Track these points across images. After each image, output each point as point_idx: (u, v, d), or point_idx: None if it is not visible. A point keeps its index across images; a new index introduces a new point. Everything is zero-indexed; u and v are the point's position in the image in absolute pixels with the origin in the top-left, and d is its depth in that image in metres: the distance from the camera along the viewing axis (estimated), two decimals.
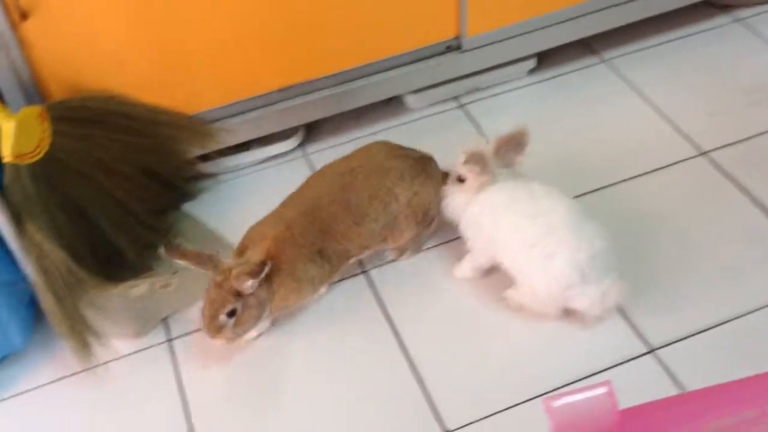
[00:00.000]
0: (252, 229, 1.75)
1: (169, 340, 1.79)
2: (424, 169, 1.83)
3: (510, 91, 2.38)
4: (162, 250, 1.73)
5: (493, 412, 1.58)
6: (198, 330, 1.80)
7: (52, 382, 1.71)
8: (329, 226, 1.72)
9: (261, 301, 1.64)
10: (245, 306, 1.61)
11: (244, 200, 2.13)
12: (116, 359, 1.73)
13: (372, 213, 1.75)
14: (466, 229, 1.77)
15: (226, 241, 1.98)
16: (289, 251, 1.67)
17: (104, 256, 1.81)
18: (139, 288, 1.76)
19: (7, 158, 1.61)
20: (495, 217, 1.69)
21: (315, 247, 1.71)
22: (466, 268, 1.84)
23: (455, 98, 2.36)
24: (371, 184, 1.76)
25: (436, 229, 1.92)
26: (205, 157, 2.14)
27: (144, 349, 1.78)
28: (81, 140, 1.80)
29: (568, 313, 1.71)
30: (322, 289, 1.82)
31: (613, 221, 1.75)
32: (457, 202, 1.77)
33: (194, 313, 1.82)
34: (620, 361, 1.63)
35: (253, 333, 1.74)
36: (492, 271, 1.80)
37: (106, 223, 1.83)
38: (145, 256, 1.92)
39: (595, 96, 2.33)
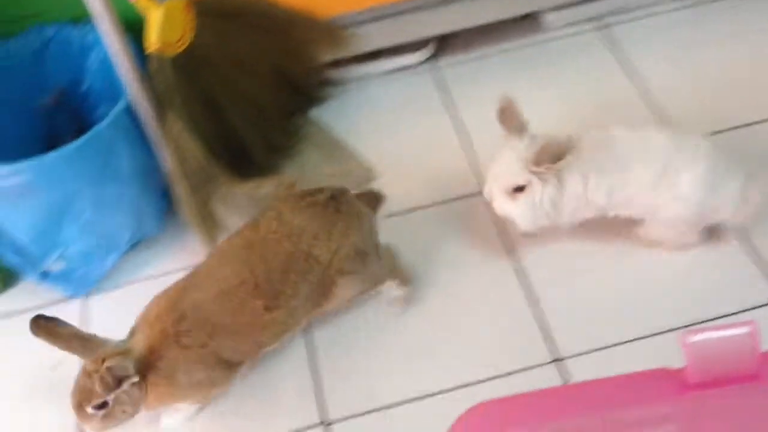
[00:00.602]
0: (149, 306, 1.48)
1: None
2: (338, 210, 1.53)
3: (660, 14, 2.24)
4: (30, 324, 1.38)
5: (611, 344, 1.55)
6: None
7: (181, 269, 1.77)
8: (230, 319, 1.44)
9: (134, 400, 1.38)
10: (116, 401, 1.36)
11: (369, 109, 2.12)
12: None
13: (288, 290, 1.46)
14: (571, 213, 1.62)
15: (350, 149, 2.00)
16: (172, 350, 1.40)
17: (233, 153, 1.85)
18: (265, 187, 1.79)
19: (153, 47, 1.65)
20: (613, 174, 1.56)
21: (207, 349, 1.42)
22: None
23: (597, 19, 2.24)
24: (283, 255, 1.47)
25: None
26: (334, 63, 2.13)
27: None
28: (220, 35, 1.82)
29: (711, 235, 1.65)
30: (216, 391, 1.54)
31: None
32: (544, 201, 1.57)
33: None
34: (756, 305, 1.57)
35: (177, 418, 1.56)
36: None
37: (238, 119, 1.87)
38: (272, 156, 1.96)
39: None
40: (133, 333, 1.43)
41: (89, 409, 1.35)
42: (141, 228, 1.81)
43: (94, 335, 1.42)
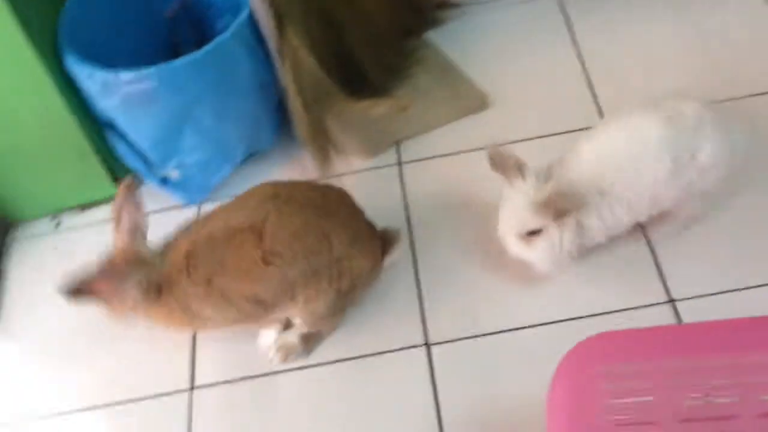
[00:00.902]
0: (185, 227, 1.48)
1: (399, 163, 1.83)
2: (373, 236, 1.51)
3: None
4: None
5: (728, 289, 1.50)
6: (428, 158, 1.83)
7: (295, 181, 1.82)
8: (230, 261, 1.40)
9: (132, 299, 1.39)
10: (116, 293, 1.38)
11: (487, 36, 2.06)
12: (350, 173, 1.80)
13: (287, 254, 1.40)
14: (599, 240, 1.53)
15: (464, 74, 1.95)
16: (183, 280, 1.40)
17: (348, 72, 1.84)
18: (378, 108, 1.79)
19: None
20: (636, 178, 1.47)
21: (212, 287, 1.40)
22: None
23: None
24: (300, 222, 1.42)
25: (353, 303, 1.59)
26: None
27: (376, 167, 1.83)
28: None
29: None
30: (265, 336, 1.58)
31: None
32: (564, 242, 1.47)
33: (426, 140, 1.86)
34: None
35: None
36: None
37: (354, 37, 1.85)
38: (386, 78, 1.94)
39: None
40: (166, 247, 1.44)
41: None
42: (255, 141, 1.84)
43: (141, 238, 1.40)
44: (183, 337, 1.63)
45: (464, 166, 1.81)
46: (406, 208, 1.74)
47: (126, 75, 1.59)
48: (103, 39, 1.76)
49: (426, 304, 1.60)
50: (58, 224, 1.88)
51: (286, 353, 1.55)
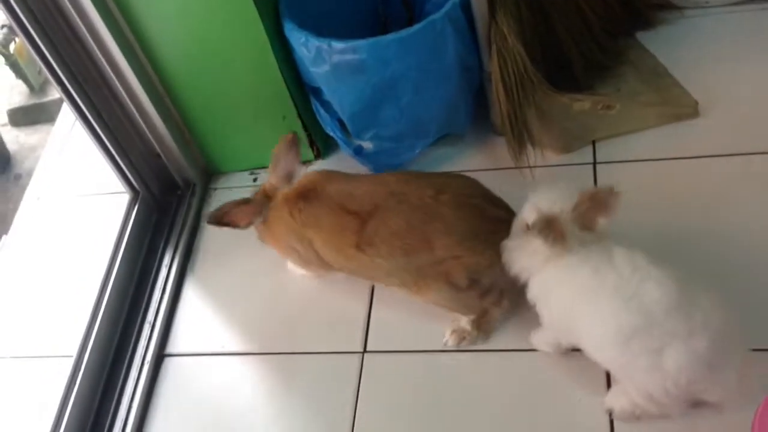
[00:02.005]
0: (306, 175, 1.61)
1: (594, 163, 1.77)
2: (498, 231, 1.42)
3: None
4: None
5: None
6: (626, 161, 1.76)
7: (483, 170, 1.81)
8: (329, 230, 1.53)
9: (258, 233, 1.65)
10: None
11: (704, 42, 1.94)
12: (543, 166, 1.76)
13: (382, 249, 1.47)
14: (536, 299, 1.39)
15: (675, 79, 1.85)
16: (285, 215, 1.57)
17: (554, 64, 1.80)
18: (582, 103, 1.73)
19: None
20: (573, 300, 1.31)
21: (305, 239, 1.57)
22: (540, 340, 1.50)
23: None
24: (404, 220, 1.46)
25: (508, 308, 1.56)
26: None
27: (569, 164, 1.78)
28: None
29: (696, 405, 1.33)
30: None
31: None
32: (524, 263, 1.37)
33: (626, 142, 1.79)
34: None
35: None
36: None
37: (563, 30, 1.81)
38: (591, 74, 1.88)
39: None
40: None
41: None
42: (450, 123, 1.85)
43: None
44: (359, 300, 1.68)
45: (664, 175, 1.72)
46: None
47: (338, 45, 1.64)
48: (318, 10, 1.84)
49: None
50: (255, 179, 1.99)
51: (460, 337, 1.57)
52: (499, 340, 1.56)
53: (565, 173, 1.77)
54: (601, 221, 1.31)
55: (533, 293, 1.38)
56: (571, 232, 1.29)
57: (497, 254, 1.40)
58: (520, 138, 1.71)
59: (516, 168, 1.72)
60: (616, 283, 1.26)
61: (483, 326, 1.56)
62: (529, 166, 1.72)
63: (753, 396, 1.25)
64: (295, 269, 1.75)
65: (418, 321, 1.61)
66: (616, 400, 1.37)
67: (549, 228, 1.27)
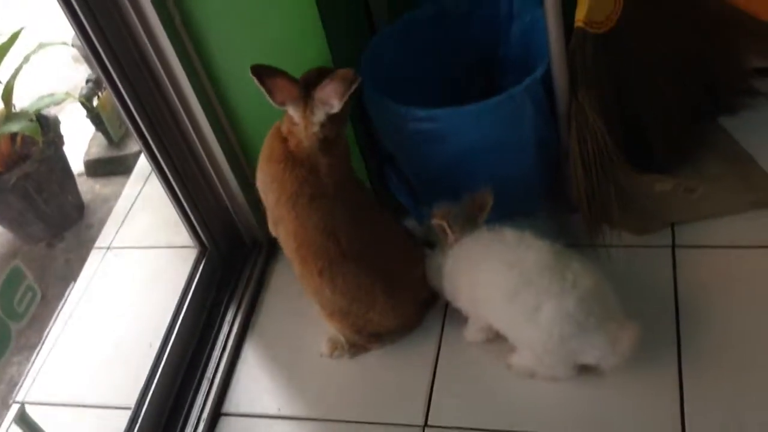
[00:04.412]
0: None
1: (673, 246, 1.71)
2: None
3: None
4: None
5: None
6: (706, 246, 1.70)
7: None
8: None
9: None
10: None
11: None
12: (619, 246, 1.71)
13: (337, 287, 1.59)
14: (448, 290, 1.63)
15: (758, 166, 1.80)
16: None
17: (633, 145, 1.77)
18: (664, 184, 1.69)
19: (580, 23, 1.63)
20: (469, 271, 1.55)
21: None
22: (472, 331, 1.66)
23: None
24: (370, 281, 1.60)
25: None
26: (760, 71, 1.94)
27: (647, 246, 1.73)
28: (646, 21, 1.75)
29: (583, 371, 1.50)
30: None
31: None
32: (434, 264, 1.65)
33: (706, 227, 1.73)
34: None
35: None
36: None
37: (645, 110, 1.78)
38: (671, 157, 1.83)
39: None
40: None
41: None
42: (525, 197, 1.82)
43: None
44: (422, 368, 1.64)
45: (745, 263, 1.65)
46: (676, 295, 1.62)
47: (417, 112, 1.65)
48: (397, 78, 1.85)
49: (687, 400, 1.46)
50: None
51: (333, 347, 1.70)
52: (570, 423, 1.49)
53: (642, 255, 1.72)
54: (480, 218, 1.59)
55: (446, 285, 1.62)
56: (458, 224, 1.58)
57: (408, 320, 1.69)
58: (596, 216, 1.67)
59: (591, 246, 1.68)
60: (503, 252, 1.50)
61: (357, 347, 1.70)
62: (605, 245, 1.67)
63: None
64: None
65: (483, 397, 1.56)
66: (515, 358, 1.56)
67: (443, 215, 1.57)
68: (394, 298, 1.62)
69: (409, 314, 1.69)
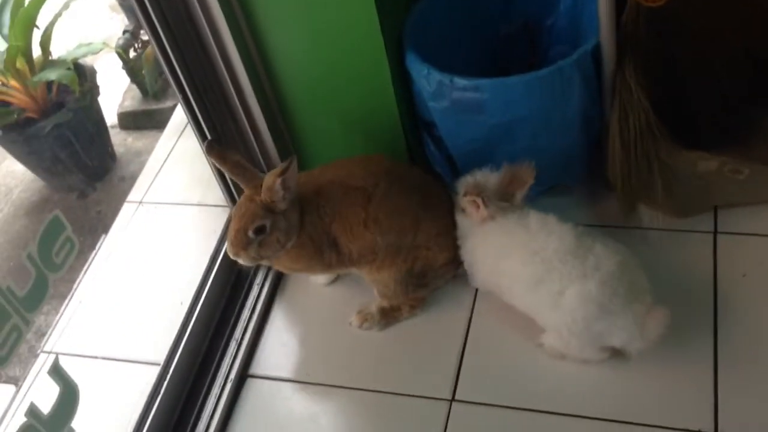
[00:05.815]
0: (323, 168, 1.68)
1: (715, 232, 1.67)
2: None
3: None
4: (205, 145, 1.59)
5: None
6: (750, 234, 1.65)
7: (591, 225, 1.72)
8: (343, 213, 1.58)
9: (289, 227, 1.53)
10: (273, 227, 1.50)
11: None
12: (657, 229, 1.68)
13: (385, 224, 1.57)
14: (467, 263, 1.65)
15: None
16: (310, 215, 1.58)
17: (679, 124, 1.72)
18: (708, 163, 1.63)
19: None
20: (492, 258, 1.57)
21: (325, 226, 1.58)
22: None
23: None
24: (403, 202, 1.59)
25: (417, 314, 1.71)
26: None
27: (686, 230, 1.69)
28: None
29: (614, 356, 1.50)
30: (322, 279, 1.81)
31: None
32: (461, 228, 1.64)
33: (751, 213, 1.67)
34: None
35: (321, 280, 1.81)
36: None
37: (694, 89, 1.73)
38: (719, 140, 1.77)
39: None
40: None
41: (249, 233, 1.49)
42: (564, 173, 1.78)
43: (256, 170, 1.56)
44: (452, 342, 1.63)
45: None
46: (715, 283, 1.58)
47: (460, 81, 1.61)
48: (440, 45, 1.80)
49: (720, 388, 1.43)
50: None
51: (363, 319, 1.70)
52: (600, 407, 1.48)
53: (681, 239, 1.68)
54: (518, 195, 1.56)
55: (465, 254, 1.63)
56: (493, 203, 1.54)
57: (451, 258, 1.64)
58: (632, 195, 1.63)
59: (624, 228, 1.65)
60: (526, 239, 1.51)
61: (388, 318, 1.70)
62: (641, 227, 1.63)
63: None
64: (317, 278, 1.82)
65: (512, 375, 1.55)
66: (547, 338, 1.55)
67: (475, 192, 1.54)
68: (432, 211, 1.62)
69: (449, 244, 1.65)
